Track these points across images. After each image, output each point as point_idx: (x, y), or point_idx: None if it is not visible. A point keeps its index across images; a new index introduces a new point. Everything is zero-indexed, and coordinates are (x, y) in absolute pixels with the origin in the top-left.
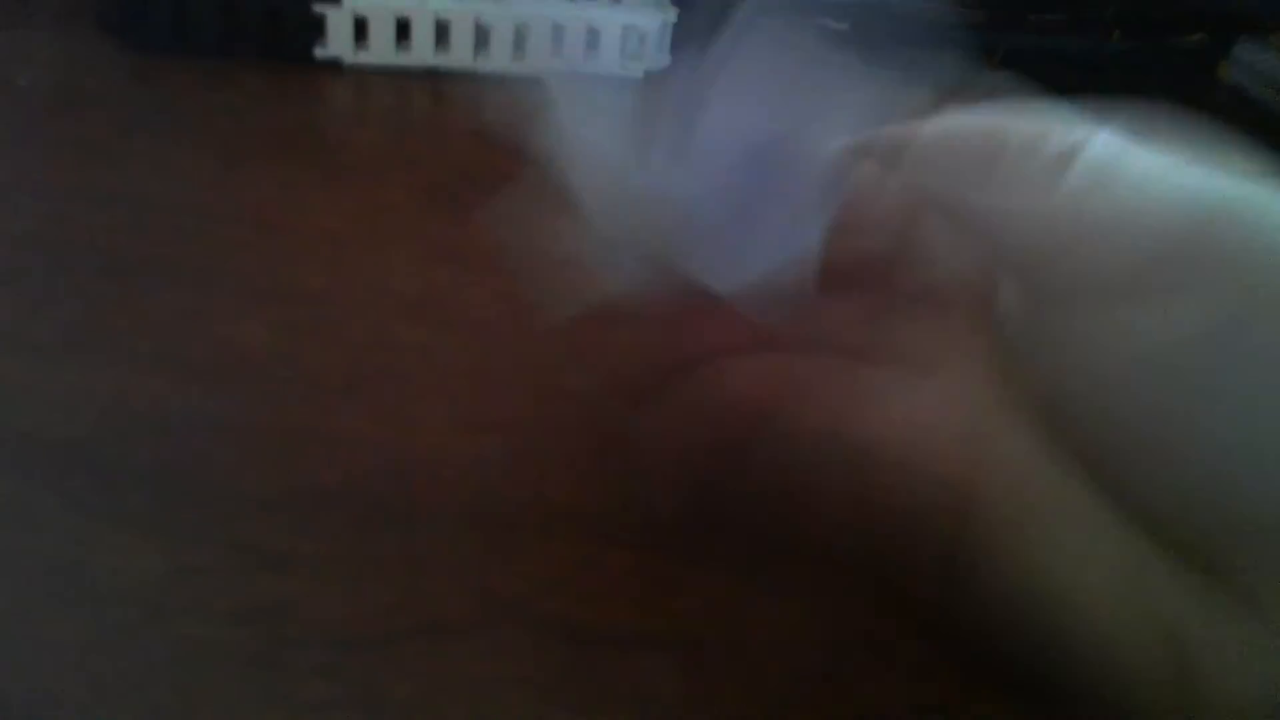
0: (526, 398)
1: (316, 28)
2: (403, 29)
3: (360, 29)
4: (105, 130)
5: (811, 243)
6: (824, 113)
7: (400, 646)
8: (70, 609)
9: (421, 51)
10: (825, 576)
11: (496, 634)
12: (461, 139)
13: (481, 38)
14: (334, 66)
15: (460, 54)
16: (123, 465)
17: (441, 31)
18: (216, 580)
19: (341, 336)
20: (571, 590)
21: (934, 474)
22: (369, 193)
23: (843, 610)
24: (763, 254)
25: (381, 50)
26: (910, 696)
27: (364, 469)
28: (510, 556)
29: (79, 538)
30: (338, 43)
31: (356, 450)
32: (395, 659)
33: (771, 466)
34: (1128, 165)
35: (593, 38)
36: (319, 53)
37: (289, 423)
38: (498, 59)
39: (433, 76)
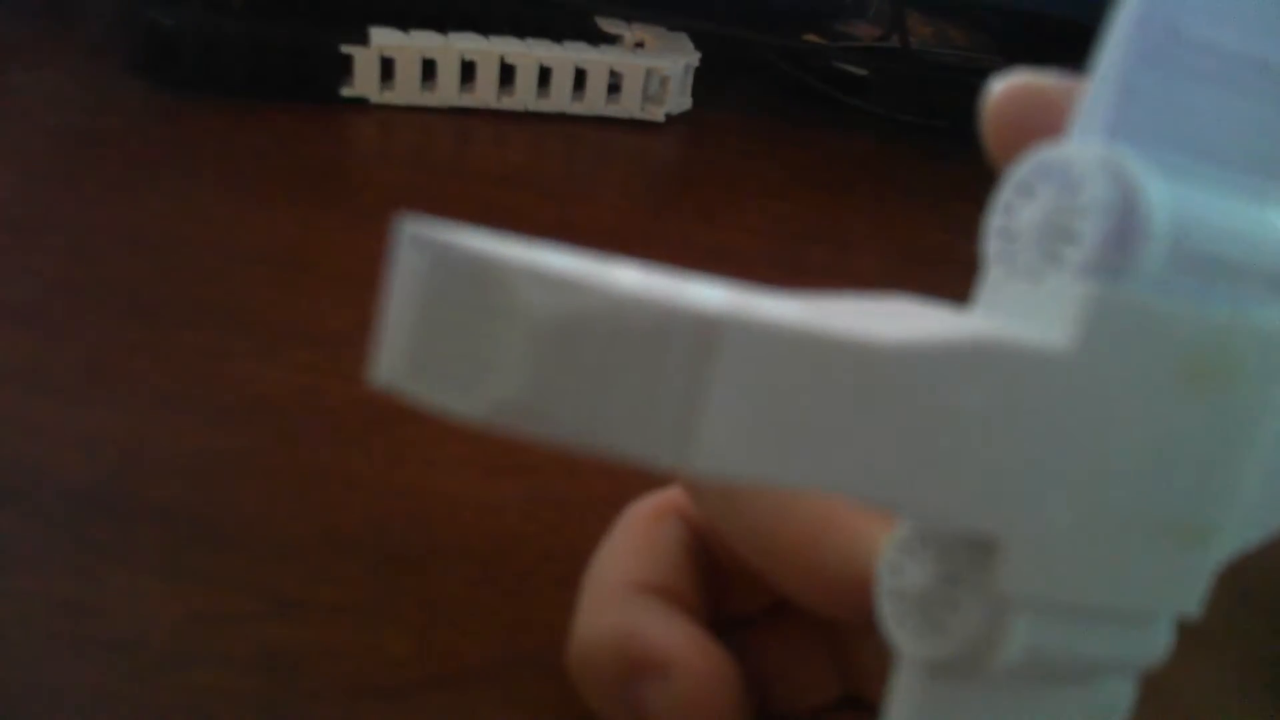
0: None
1: (343, 67)
2: (428, 69)
3: (386, 69)
4: (131, 169)
5: None
6: None
7: (418, 696)
8: (84, 653)
9: (446, 91)
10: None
11: (515, 683)
12: (485, 178)
13: (506, 77)
14: (360, 105)
15: (484, 94)
16: (140, 507)
17: (467, 71)
18: (232, 626)
19: (362, 378)
20: None
21: None
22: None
23: None
24: None
25: (407, 90)
26: None
27: (383, 513)
28: (529, 604)
29: (94, 580)
30: (364, 82)
31: (375, 493)
32: (412, 709)
33: None
34: None
35: (615, 79)
36: (345, 92)
37: (308, 465)
38: (521, 99)
39: (457, 115)
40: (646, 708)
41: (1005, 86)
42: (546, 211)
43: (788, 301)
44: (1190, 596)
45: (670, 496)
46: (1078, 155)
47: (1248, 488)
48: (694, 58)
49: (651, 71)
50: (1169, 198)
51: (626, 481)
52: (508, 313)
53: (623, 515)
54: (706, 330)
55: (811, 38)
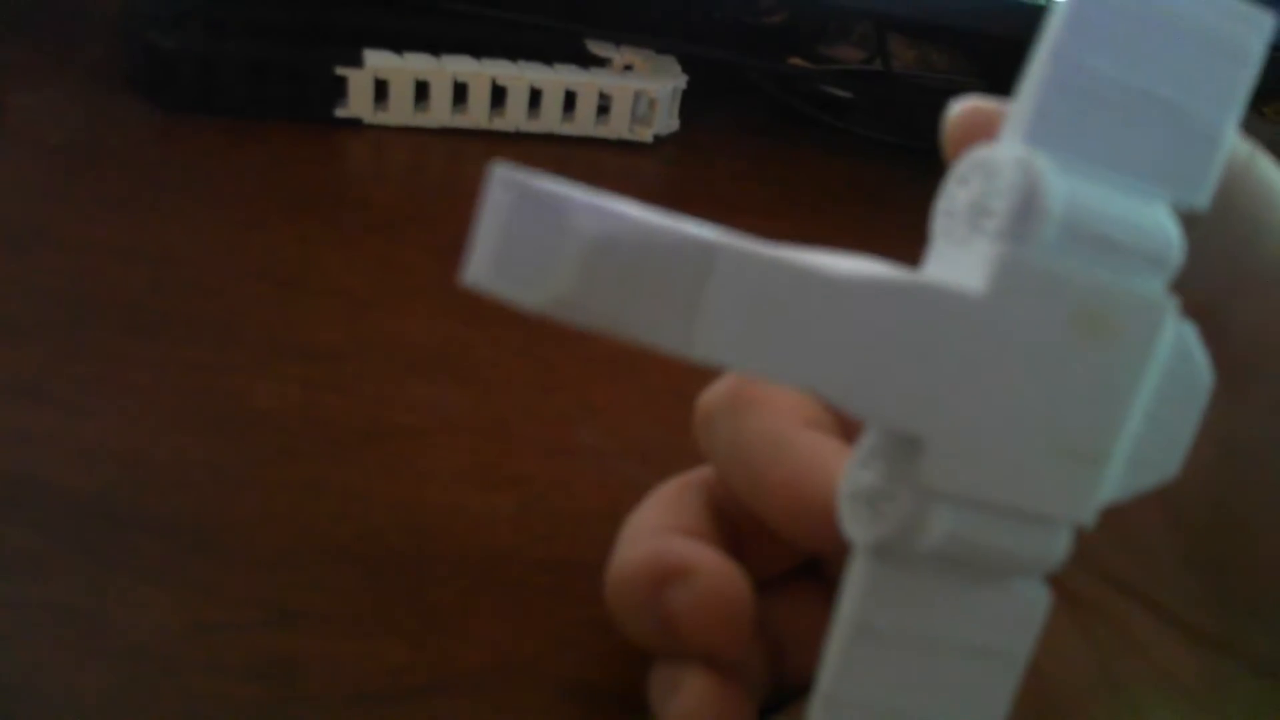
0: (539, 454)
1: (338, 89)
2: (421, 90)
3: (380, 90)
4: (131, 187)
5: None
6: None
7: (412, 704)
8: (85, 661)
9: (439, 112)
10: None
11: (508, 694)
12: (477, 197)
13: (497, 99)
14: (354, 126)
15: (477, 115)
16: (140, 518)
17: (459, 93)
18: (230, 635)
19: (357, 392)
20: (583, 649)
21: None
22: (386, 250)
23: None
24: None
25: (401, 110)
26: None
27: (378, 524)
28: (521, 614)
29: (94, 590)
30: (358, 103)
31: (371, 505)
32: (408, 715)
33: None
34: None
35: (604, 101)
36: (340, 113)
37: (305, 477)
38: (512, 120)
39: (450, 136)
40: (672, 608)
41: (960, 107)
42: None
43: (773, 246)
44: (1084, 509)
45: (698, 474)
46: (999, 153)
47: (1131, 427)
48: (681, 80)
49: (640, 93)
50: (1066, 188)
51: (618, 495)
52: (563, 231)
53: (653, 491)
54: (705, 251)
55: (797, 61)
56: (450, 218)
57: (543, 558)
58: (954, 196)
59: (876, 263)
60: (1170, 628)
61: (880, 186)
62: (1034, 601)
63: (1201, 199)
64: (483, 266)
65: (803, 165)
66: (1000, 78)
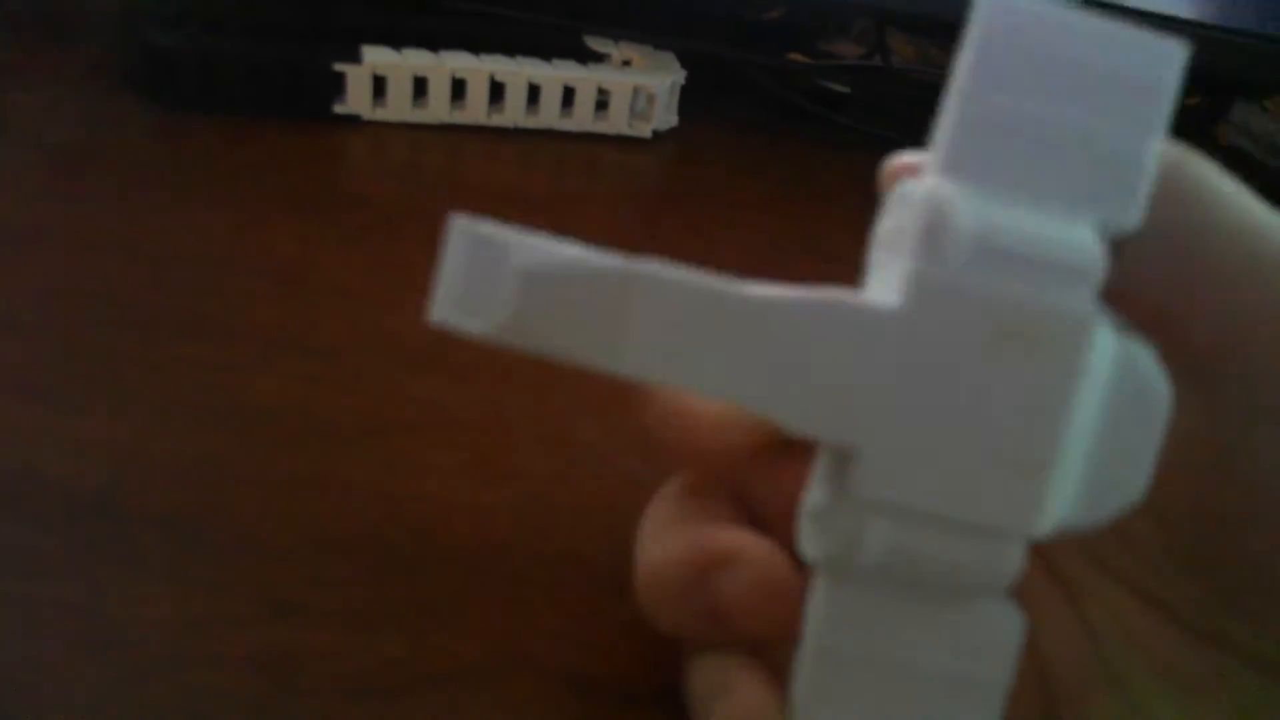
0: (536, 448)
1: (336, 85)
2: (420, 86)
3: (379, 86)
4: (129, 185)
5: None
6: None
7: (410, 697)
8: (83, 656)
9: (438, 108)
10: None
11: (507, 686)
12: (476, 193)
13: (496, 95)
14: (352, 122)
15: (475, 111)
16: (138, 514)
17: (457, 89)
18: (230, 629)
19: (355, 388)
20: (581, 643)
21: None
22: (384, 246)
23: None
24: None
25: (399, 107)
26: None
27: (376, 518)
28: (520, 606)
29: (93, 585)
30: (356, 99)
31: (369, 500)
32: (405, 709)
33: None
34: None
35: (602, 97)
36: (338, 109)
37: (302, 472)
38: (511, 115)
39: (448, 132)
40: (719, 599)
41: (891, 159)
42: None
43: (695, 272)
44: (1029, 521)
45: (706, 473)
46: (915, 186)
47: (1078, 442)
48: (680, 76)
49: (638, 89)
50: (975, 209)
51: (616, 490)
52: (503, 267)
53: (664, 488)
54: (626, 278)
55: (796, 56)
56: (449, 214)
57: (541, 551)
58: (882, 227)
59: (800, 288)
60: (1170, 623)
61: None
62: (1006, 626)
63: (1129, 219)
64: (443, 304)
65: (801, 161)
66: None
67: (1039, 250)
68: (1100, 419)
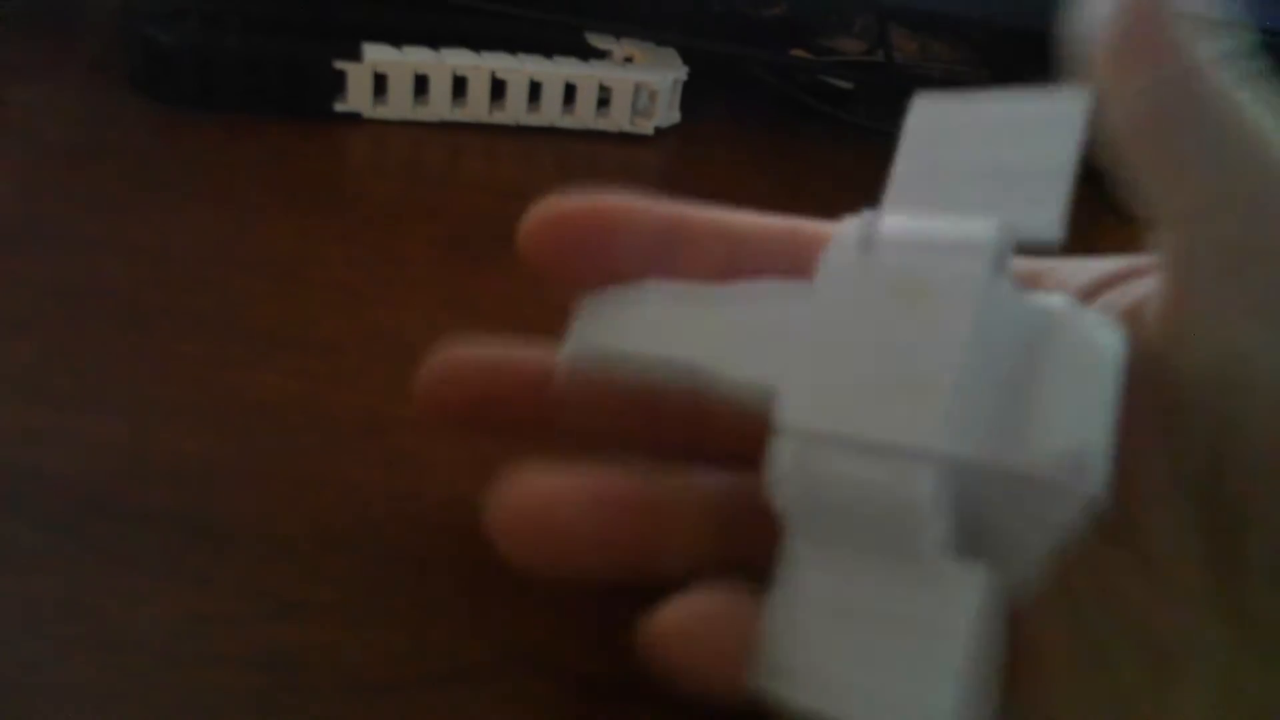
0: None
1: (337, 83)
2: (420, 84)
3: (379, 84)
4: (129, 182)
5: None
6: None
7: (414, 694)
8: (85, 654)
9: (439, 106)
10: None
11: (512, 683)
12: (476, 191)
13: (497, 92)
14: (353, 120)
15: (476, 108)
16: (138, 511)
17: (458, 86)
18: (230, 626)
19: (357, 384)
20: (585, 640)
21: None
22: (386, 244)
23: None
24: None
25: (400, 104)
26: None
27: (378, 515)
28: (523, 603)
29: (94, 583)
30: (357, 97)
31: (371, 496)
32: (409, 706)
33: None
34: None
35: (604, 94)
36: (339, 107)
37: (305, 469)
38: (512, 113)
39: (449, 130)
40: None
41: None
42: None
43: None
44: (928, 437)
45: None
46: (853, 219)
47: (975, 376)
48: (682, 72)
49: (640, 86)
50: (899, 223)
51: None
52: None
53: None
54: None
55: (798, 52)
56: (450, 211)
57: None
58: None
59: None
60: (1152, 586)
61: (881, 177)
62: (970, 583)
63: (1050, 233)
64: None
65: (804, 156)
66: (1001, 67)
67: (930, 236)
68: (1017, 362)
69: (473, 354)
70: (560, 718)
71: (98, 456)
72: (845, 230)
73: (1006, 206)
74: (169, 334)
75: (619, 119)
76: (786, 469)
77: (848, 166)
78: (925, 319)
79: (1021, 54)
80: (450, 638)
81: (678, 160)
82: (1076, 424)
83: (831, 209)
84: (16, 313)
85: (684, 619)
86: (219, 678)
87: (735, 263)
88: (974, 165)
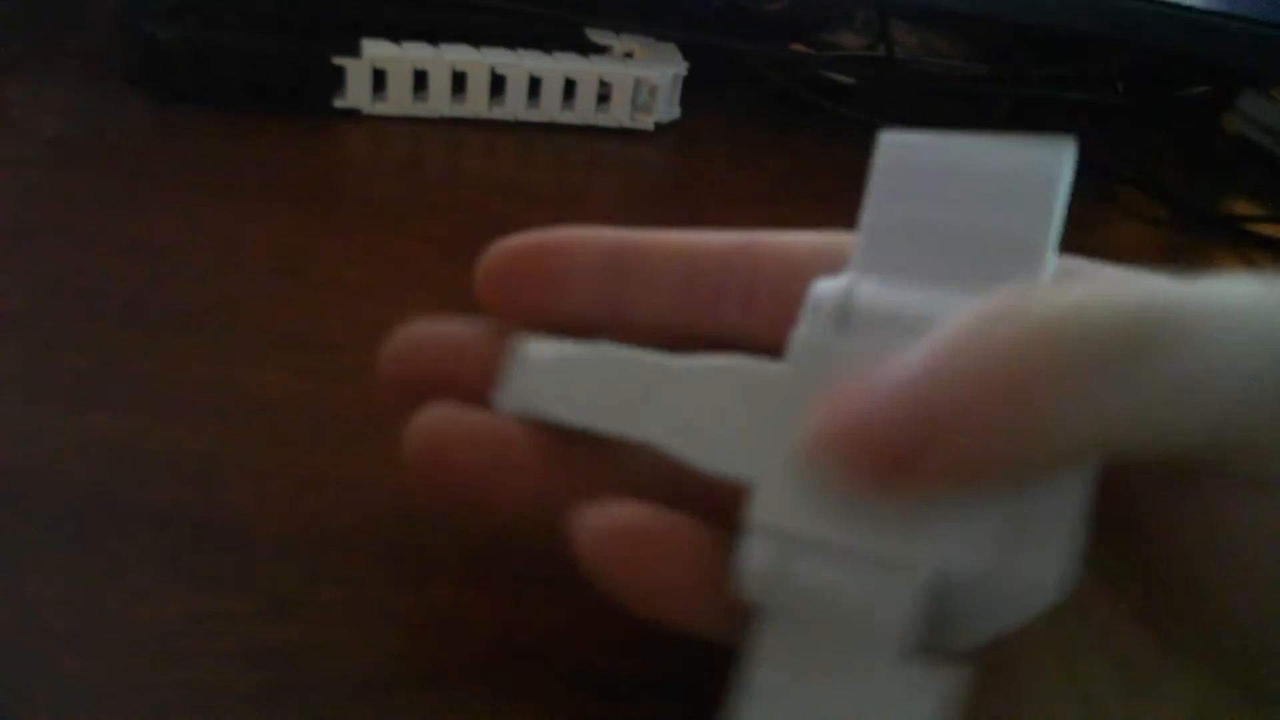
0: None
1: (336, 79)
2: (420, 80)
3: (378, 80)
4: (127, 179)
5: None
6: None
7: (413, 692)
8: (81, 652)
9: (438, 101)
10: None
11: (511, 681)
12: (476, 187)
13: (496, 88)
14: (352, 116)
15: (476, 104)
16: (137, 509)
17: (458, 82)
18: (230, 624)
19: (356, 381)
20: (585, 638)
21: None
22: (385, 240)
23: None
24: None
25: (399, 100)
26: None
27: (377, 513)
28: (522, 601)
29: (92, 581)
30: (356, 93)
31: (370, 494)
32: (408, 704)
33: None
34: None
35: (604, 89)
36: (338, 103)
37: (304, 467)
38: (512, 109)
39: (449, 125)
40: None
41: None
42: (537, 218)
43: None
44: (913, 550)
45: None
46: (826, 281)
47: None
48: (682, 67)
49: (640, 81)
50: (873, 294)
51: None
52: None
53: None
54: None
55: (799, 47)
56: (449, 208)
57: (541, 546)
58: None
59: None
60: (1130, 619)
61: None
62: (932, 689)
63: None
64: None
65: (805, 152)
66: (1004, 63)
67: (902, 313)
68: None
69: (435, 330)
70: (561, 715)
71: (96, 453)
72: (820, 298)
73: (983, 269)
74: (167, 331)
75: (619, 114)
76: (761, 568)
77: (848, 162)
78: None
79: (1020, 48)
80: (449, 636)
81: (678, 156)
82: (1055, 538)
83: (832, 204)
84: (12, 309)
85: (615, 529)
86: (215, 676)
87: (692, 280)
88: (950, 225)
